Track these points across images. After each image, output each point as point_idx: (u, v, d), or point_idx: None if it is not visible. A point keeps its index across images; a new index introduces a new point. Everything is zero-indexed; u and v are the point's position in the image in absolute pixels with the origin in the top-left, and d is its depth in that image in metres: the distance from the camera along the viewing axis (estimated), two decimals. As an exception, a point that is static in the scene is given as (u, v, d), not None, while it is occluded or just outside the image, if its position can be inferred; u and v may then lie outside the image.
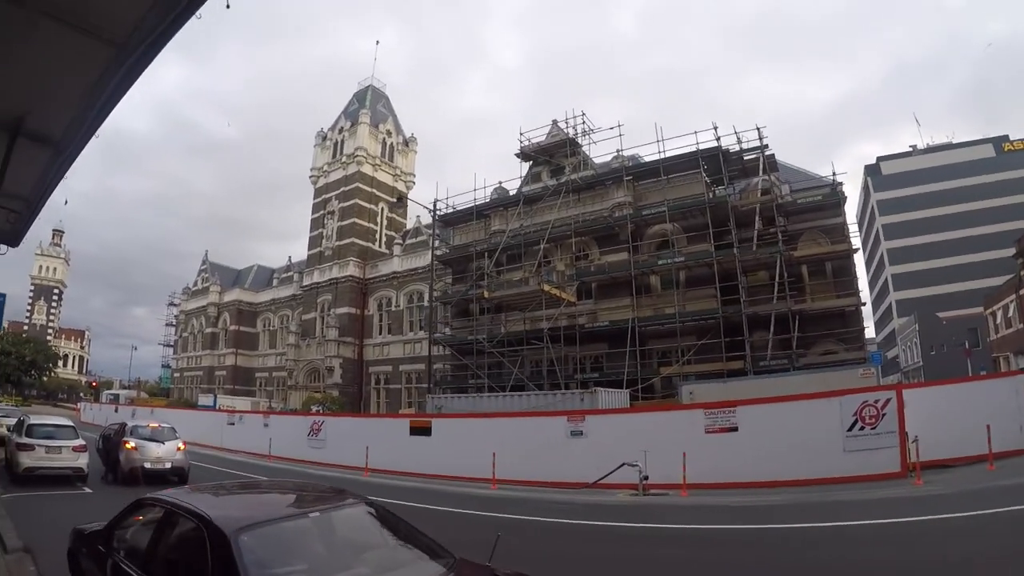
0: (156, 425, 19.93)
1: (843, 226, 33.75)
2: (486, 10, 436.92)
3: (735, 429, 17.50)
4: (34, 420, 18.49)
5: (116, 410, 50.74)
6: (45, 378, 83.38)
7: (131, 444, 18.01)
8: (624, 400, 28.19)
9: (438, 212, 40.03)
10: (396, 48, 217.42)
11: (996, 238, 64.20)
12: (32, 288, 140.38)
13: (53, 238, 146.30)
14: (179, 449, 18.77)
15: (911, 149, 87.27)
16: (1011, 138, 79.24)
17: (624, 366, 31.56)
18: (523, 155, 40.50)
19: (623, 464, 16.93)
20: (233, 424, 33.91)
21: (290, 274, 65.42)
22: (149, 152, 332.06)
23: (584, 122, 38.05)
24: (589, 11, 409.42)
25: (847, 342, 31.21)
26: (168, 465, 18.07)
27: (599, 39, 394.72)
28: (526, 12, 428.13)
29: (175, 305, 77.36)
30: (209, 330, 69.95)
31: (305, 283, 58.91)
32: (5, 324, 70.92)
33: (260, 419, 33.18)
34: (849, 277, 33.05)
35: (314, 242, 59.34)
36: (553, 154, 39.75)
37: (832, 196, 34.12)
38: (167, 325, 78.49)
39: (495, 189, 42.65)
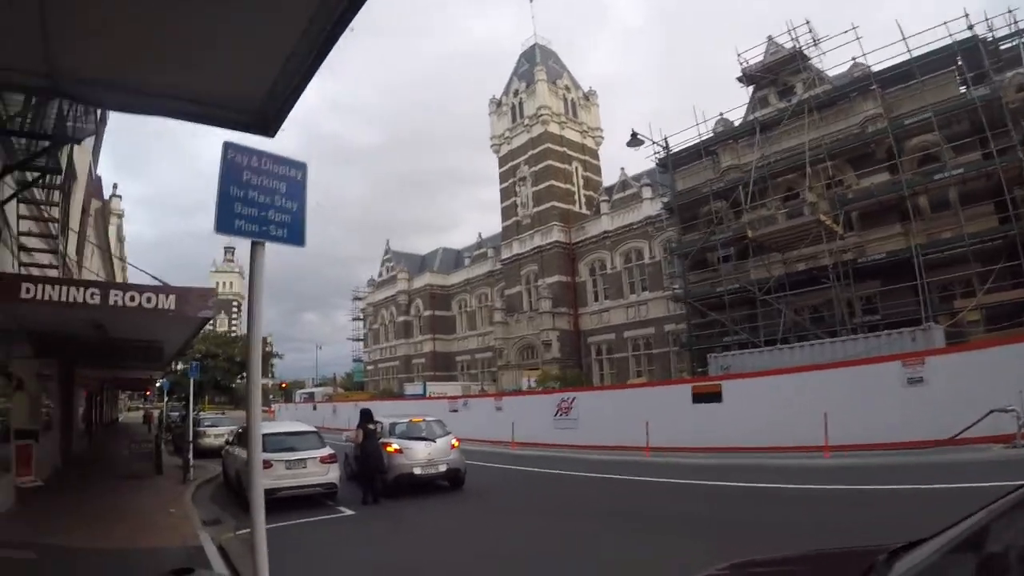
0: (419, 419, 17.40)
1: None
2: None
3: None
4: (266, 429, 15.42)
5: (314, 408, 52.89)
6: (269, 379, 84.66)
7: (394, 446, 15.75)
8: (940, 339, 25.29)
9: (653, 156, 39.19)
10: (518, 27, 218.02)
11: None
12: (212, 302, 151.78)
13: (226, 255, 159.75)
14: (453, 447, 16.55)
15: None
16: None
17: (902, 304, 29.00)
18: (746, 78, 38.36)
19: (991, 411, 15.15)
20: (457, 411, 33.34)
21: (483, 251, 66.17)
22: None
23: (809, 31, 35.14)
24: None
25: None
26: (442, 468, 15.83)
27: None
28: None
29: (360, 299, 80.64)
30: (401, 319, 72.13)
31: (504, 256, 59.24)
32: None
33: (489, 403, 32.80)
34: None
35: (508, 212, 59.55)
36: (778, 73, 37.25)
37: None
38: (354, 319, 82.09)
39: (718, 122, 40.33)
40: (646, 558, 8.51)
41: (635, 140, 35.21)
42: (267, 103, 4.37)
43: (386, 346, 75.43)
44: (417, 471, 15.38)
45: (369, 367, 79.24)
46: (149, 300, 10.03)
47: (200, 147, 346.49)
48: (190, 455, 19.08)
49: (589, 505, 13.34)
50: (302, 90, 4.26)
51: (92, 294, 9.99)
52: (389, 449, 15.54)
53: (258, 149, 4.24)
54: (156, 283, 11.82)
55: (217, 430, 25.56)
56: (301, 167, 4.44)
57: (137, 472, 18.81)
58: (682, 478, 15.87)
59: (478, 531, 11.31)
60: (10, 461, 13.60)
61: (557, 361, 49.91)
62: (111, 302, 9.93)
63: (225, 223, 4.01)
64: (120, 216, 39.73)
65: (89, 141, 21.71)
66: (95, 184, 26.57)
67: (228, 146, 4.08)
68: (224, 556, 9.03)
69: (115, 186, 37.39)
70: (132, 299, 10.00)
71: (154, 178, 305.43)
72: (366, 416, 15.81)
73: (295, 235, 4.39)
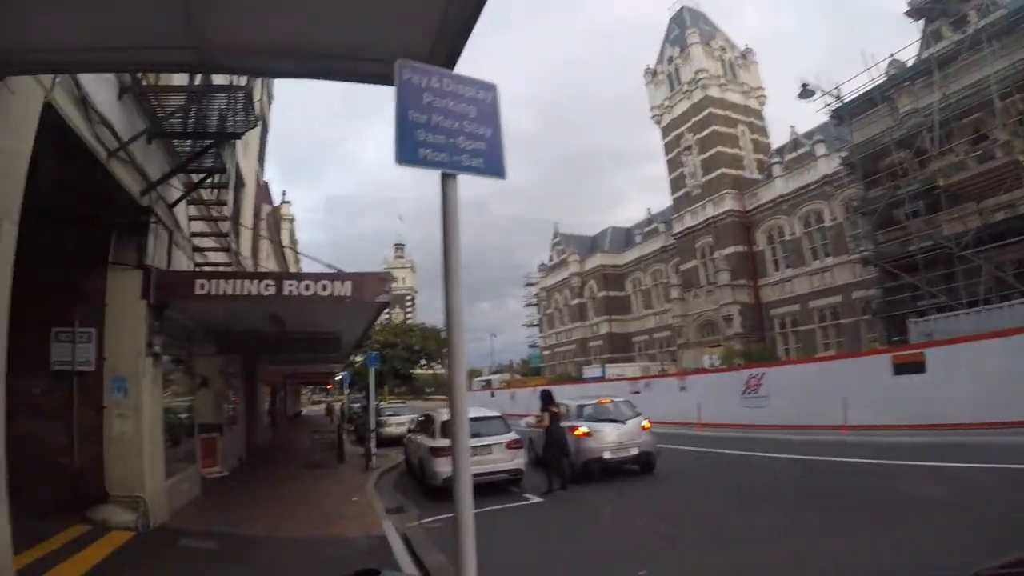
0: (607, 400, 16.77)
1: None
2: None
3: None
4: (447, 416, 15.61)
5: (492, 395, 53.57)
6: (440, 367, 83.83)
7: (583, 429, 15.14)
8: None
9: (824, 109, 36.92)
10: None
11: None
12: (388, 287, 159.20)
13: (396, 251, 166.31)
14: (644, 429, 15.66)
15: None
16: None
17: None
18: (914, 11, 35.35)
19: None
20: (638, 392, 32.46)
21: (653, 226, 65.10)
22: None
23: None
24: None
25: None
26: (633, 451, 15.00)
27: None
28: None
29: (532, 285, 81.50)
30: (575, 301, 72.27)
31: (676, 230, 57.86)
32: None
33: (672, 383, 32.18)
34: None
35: (676, 184, 58.13)
36: (948, 2, 33.77)
37: None
38: (527, 305, 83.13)
39: (889, 64, 36.59)
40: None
41: (805, 92, 33.40)
42: (434, 48, 4.14)
43: (561, 330, 75.85)
44: (607, 455, 14.69)
45: (545, 352, 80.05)
46: (325, 288, 10.24)
47: (360, 152, 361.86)
48: (372, 444, 19.36)
49: (797, 491, 12.24)
50: (471, 29, 4.01)
51: (267, 286, 10.32)
52: (577, 433, 14.94)
53: (437, 68, 3.73)
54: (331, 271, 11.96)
55: (398, 419, 25.99)
56: (491, 88, 3.86)
57: (320, 462, 19.52)
58: (900, 459, 14.41)
59: (674, 520, 10.54)
60: (196, 453, 14.29)
61: (739, 336, 48.32)
62: (286, 292, 10.22)
63: (407, 153, 3.49)
64: (291, 221, 41.62)
65: (254, 148, 22.74)
66: (264, 190, 27.86)
67: (403, 66, 3.54)
68: (408, 546, 8.94)
69: (284, 192, 39.28)
70: (307, 288, 10.26)
71: (319, 185, 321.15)
72: (548, 398, 15.08)
73: (493, 165, 3.82)
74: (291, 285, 10.38)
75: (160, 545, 8.97)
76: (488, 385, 69.21)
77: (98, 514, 9.32)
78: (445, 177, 3.55)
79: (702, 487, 14.36)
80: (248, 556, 8.66)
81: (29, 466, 8.93)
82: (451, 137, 3.62)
